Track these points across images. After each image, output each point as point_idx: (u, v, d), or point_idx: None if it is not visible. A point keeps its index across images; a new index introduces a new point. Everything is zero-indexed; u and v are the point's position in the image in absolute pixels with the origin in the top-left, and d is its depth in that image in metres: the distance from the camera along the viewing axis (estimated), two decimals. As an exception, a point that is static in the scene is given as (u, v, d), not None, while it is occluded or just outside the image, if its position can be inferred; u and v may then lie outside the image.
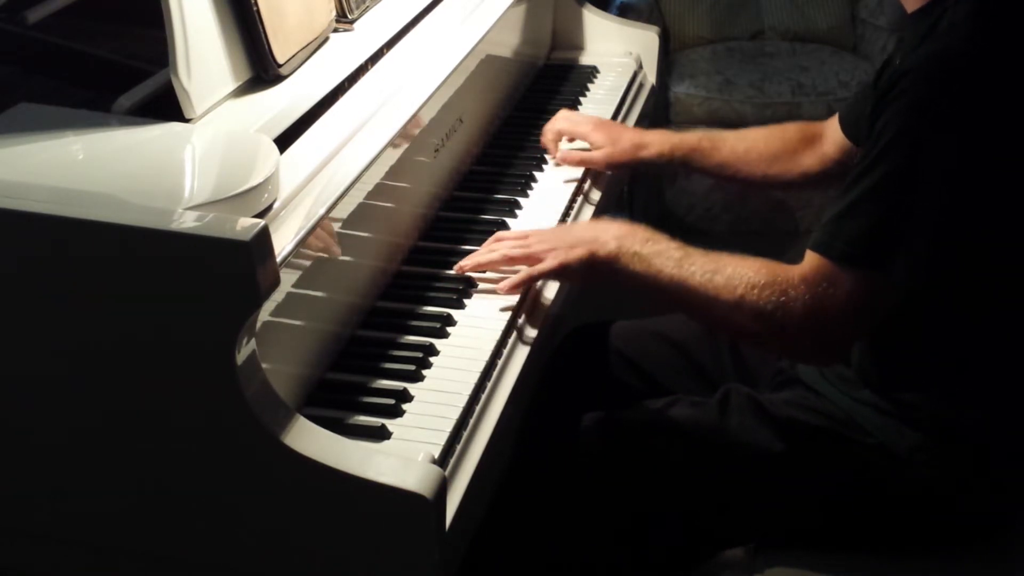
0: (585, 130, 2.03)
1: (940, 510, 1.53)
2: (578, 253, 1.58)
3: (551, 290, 1.70)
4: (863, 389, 1.56)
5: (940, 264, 1.43)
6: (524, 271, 1.62)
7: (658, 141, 1.99)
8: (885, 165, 1.39)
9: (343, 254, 1.52)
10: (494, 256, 1.64)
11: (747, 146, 1.95)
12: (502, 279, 1.64)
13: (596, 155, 2.01)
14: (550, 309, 1.68)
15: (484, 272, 1.67)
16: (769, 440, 1.57)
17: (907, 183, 1.38)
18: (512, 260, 1.64)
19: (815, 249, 1.44)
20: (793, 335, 1.45)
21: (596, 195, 2.00)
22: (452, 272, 1.69)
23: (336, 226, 1.48)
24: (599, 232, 1.59)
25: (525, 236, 1.66)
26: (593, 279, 1.60)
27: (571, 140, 2.06)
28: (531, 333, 1.61)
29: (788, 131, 1.96)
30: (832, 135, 1.88)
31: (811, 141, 1.92)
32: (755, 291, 1.44)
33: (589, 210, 1.96)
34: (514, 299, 1.62)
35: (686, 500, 1.59)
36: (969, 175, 1.39)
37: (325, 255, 1.45)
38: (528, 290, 1.66)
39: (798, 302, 1.42)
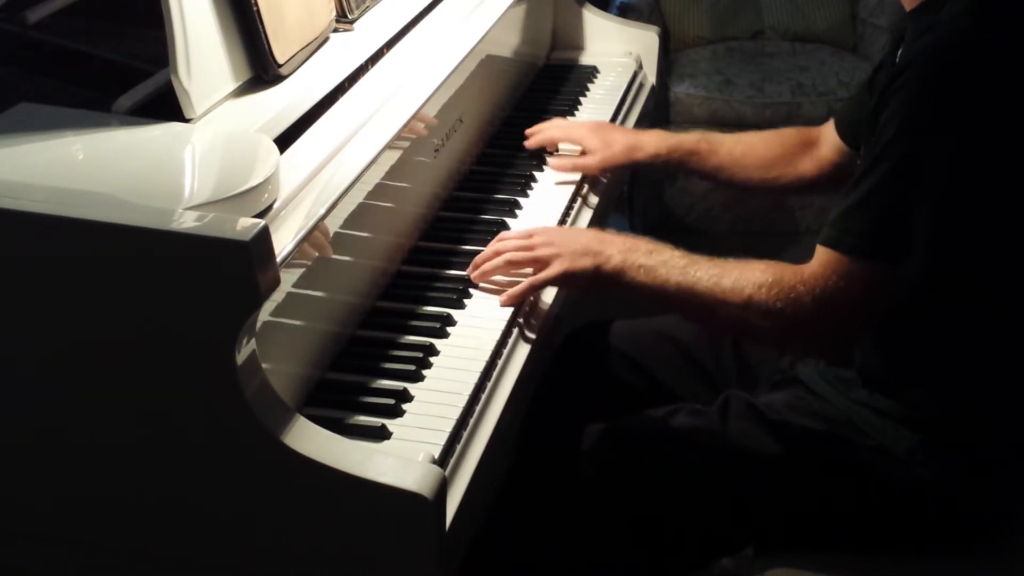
0: (580, 134, 2.02)
1: (939, 511, 1.53)
2: (583, 263, 1.58)
3: (551, 290, 1.70)
4: (861, 390, 1.56)
5: (945, 256, 1.43)
6: (526, 280, 1.61)
7: (654, 142, 1.98)
8: (890, 158, 1.39)
9: (343, 254, 1.52)
10: (498, 262, 1.64)
11: (744, 149, 1.95)
12: (509, 282, 1.64)
13: (590, 160, 1.99)
14: (550, 309, 1.68)
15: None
16: (769, 444, 1.57)
17: (912, 175, 1.39)
18: (515, 265, 1.63)
19: (825, 244, 1.44)
20: (804, 331, 1.46)
21: (595, 197, 2.00)
22: (452, 272, 1.69)
23: (336, 226, 1.48)
24: (604, 244, 1.58)
25: (529, 235, 1.66)
26: (595, 289, 1.60)
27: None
28: (531, 333, 1.61)
29: (785, 135, 1.96)
30: (829, 139, 1.88)
31: (808, 145, 1.92)
32: (763, 290, 1.45)
33: (589, 211, 1.96)
34: (515, 299, 1.62)
35: (687, 505, 1.58)
36: (972, 165, 1.40)
37: (320, 256, 1.45)
38: (528, 290, 1.66)
39: (808, 297, 1.43)
